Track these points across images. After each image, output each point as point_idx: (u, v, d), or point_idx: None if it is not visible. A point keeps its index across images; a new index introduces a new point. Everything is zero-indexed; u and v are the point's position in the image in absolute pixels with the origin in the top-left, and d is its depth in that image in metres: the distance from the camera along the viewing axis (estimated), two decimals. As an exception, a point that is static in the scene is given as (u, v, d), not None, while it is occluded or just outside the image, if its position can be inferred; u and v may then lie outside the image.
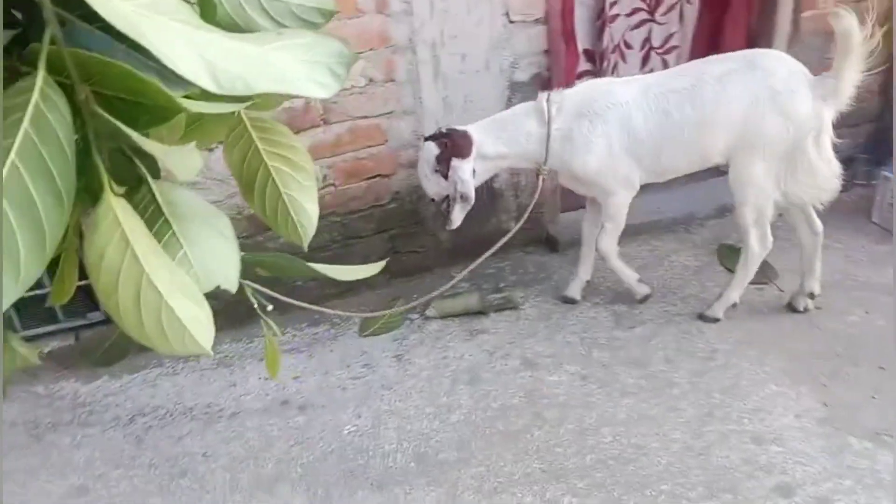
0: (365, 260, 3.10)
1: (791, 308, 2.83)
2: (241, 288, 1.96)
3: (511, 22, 2.91)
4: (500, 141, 2.60)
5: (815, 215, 2.69)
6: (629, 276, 2.91)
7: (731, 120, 2.49)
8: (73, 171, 0.54)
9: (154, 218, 0.68)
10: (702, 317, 2.82)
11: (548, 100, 2.56)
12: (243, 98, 0.62)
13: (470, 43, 2.88)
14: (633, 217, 3.52)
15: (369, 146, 2.93)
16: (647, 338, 2.75)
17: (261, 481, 2.23)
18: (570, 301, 2.99)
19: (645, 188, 3.80)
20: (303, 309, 2.84)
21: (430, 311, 2.95)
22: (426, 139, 2.61)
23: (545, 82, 3.04)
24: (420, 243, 3.14)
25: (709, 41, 3.45)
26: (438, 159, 2.54)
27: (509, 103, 2.88)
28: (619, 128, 2.56)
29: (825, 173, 2.49)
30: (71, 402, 2.65)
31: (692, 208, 3.58)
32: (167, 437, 2.43)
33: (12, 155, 0.51)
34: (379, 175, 3.01)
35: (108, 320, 2.84)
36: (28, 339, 2.79)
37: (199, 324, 0.61)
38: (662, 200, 3.69)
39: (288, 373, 2.67)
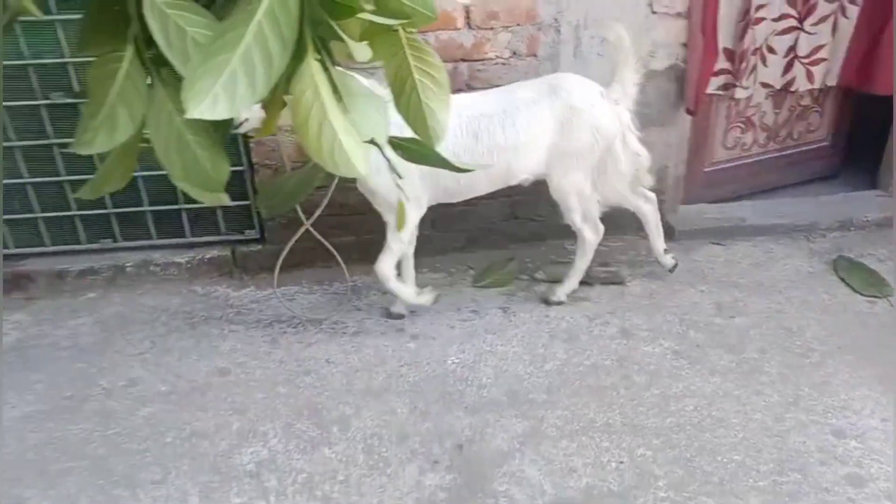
0: (486, 221, 3.38)
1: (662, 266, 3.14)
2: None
3: (653, 13, 3.07)
4: None
5: (646, 190, 2.98)
6: (406, 293, 2.82)
7: (541, 143, 2.64)
8: (294, 30, 0.80)
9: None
10: (546, 301, 3.02)
11: None
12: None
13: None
14: (756, 218, 3.61)
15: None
16: (746, 328, 2.85)
17: (371, 389, 2.55)
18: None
19: (772, 193, 3.86)
20: (428, 254, 3.19)
21: (539, 274, 3.18)
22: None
23: (680, 73, 3.18)
24: (539, 212, 3.36)
25: (863, 59, 3.43)
26: None
27: (643, 91, 3.03)
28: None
29: (637, 164, 2.82)
30: (222, 302, 3.09)
31: (816, 218, 3.59)
32: (297, 342, 2.80)
33: (260, 12, 0.78)
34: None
35: (261, 238, 3.27)
36: (193, 246, 3.26)
37: (358, 155, 0.86)
38: (787, 206, 3.73)
39: (406, 308, 2.97)
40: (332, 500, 2.11)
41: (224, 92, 0.72)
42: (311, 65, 0.85)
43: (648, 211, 3.02)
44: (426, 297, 2.80)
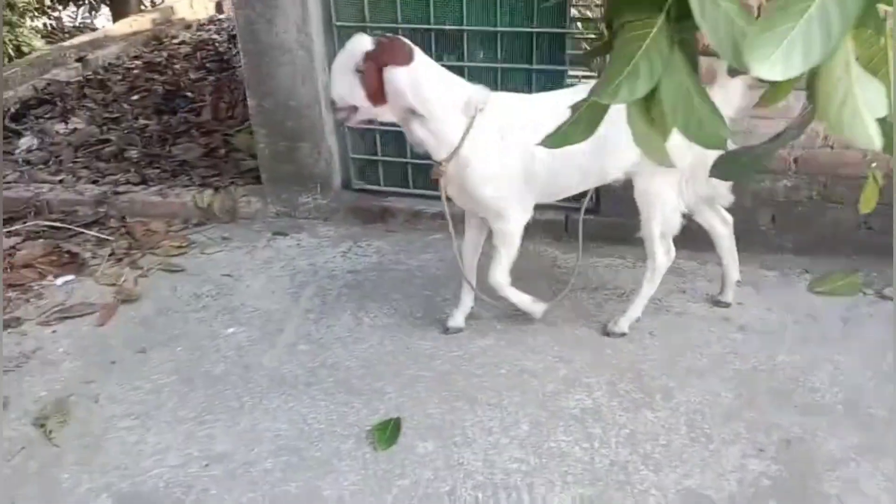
0: (832, 226, 3.18)
1: (720, 304, 2.90)
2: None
3: None
4: (433, 94, 2.35)
5: (723, 210, 2.77)
6: (523, 300, 2.76)
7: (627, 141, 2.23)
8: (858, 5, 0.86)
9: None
10: (608, 333, 2.77)
11: (485, 98, 2.41)
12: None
13: None
14: None
15: None
16: None
17: (694, 368, 2.57)
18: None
19: None
20: (758, 251, 3.11)
21: (889, 291, 2.93)
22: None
23: None
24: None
25: None
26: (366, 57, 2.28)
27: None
28: (522, 148, 2.42)
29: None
30: (550, 262, 3.31)
31: None
32: (621, 311, 2.91)
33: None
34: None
35: (595, 208, 3.41)
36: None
37: (874, 129, 0.90)
38: None
39: (734, 298, 2.93)
40: (653, 460, 2.19)
41: (782, 55, 0.80)
42: (847, 41, 0.91)
43: (724, 234, 2.79)
44: (539, 307, 2.78)
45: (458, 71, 3.34)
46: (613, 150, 2.38)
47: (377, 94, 2.30)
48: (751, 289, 3.02)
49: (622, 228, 3.09)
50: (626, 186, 3.19)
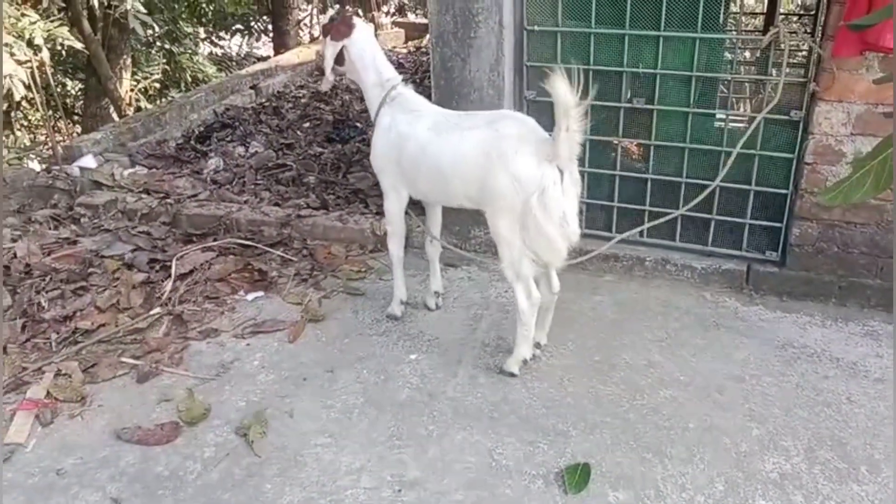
0: None
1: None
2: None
3: None
4: (360, 65, 2.95)
5: (554, 274, 2.80)
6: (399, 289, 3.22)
7: (465, 172, 2.61)
8: None
9: None
10: (501, 371, 2.82)
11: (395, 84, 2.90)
12: None
13: None
14: None
15: None
16: None
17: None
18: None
19: None
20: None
21: None
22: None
23: None
24: None
25: None
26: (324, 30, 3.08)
27: None
28: (398, 138, 2.81)
29: (552, 234, 2.49)
30: (731, 313, 3.21)
31: None
32: (813, 372, 2.78)
33: None
34: None
35: (781, 261, 3.30)
36: (711, 255, 3.44)
37: None
38: None
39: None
40: (866, 538, 2.07)
41: None
42: None
43: (546, 298, 2.81)
44: (398, 307, 3.23)
45: (649, 113, 3.35)
46: (449, 179, 2.68)
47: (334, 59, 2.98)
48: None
49: (811, 284, 2.97)
50: (821, 239, 3.09)
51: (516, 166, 2.47)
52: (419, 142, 2.75)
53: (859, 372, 2.79)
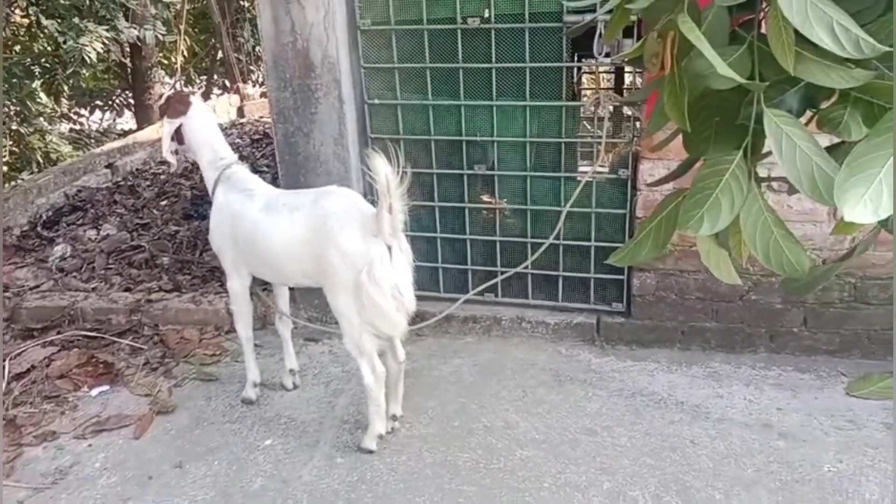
0: (866, 326, 3.19)
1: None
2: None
3: None
4: (195, 144, 2.92)
5: (398, 344, 2.80)
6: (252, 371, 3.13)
7: (295, 252, 2.62)
8: None
9: None
10: (359, 448, 2.76)
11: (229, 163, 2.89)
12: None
13: None
14: None
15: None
16: None
17: (741, 479, 2.53)
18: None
19: None
20: (792, 353, 3.13)
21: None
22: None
23: None
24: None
25: None
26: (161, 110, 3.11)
27: None
28: (232, 216, 2.79)
29: (385, 307, 2.47)
30: (585, 366, 3.31)
31: None
32: (660, 418, 2.89)
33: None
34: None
35: (627, 311, 3.44)
36: (564, 310, 3.55)
37: (798, 254, 0.98)
38: None
39: (772, 403, 2.92)
40: (709, 581, 2.13)
41: (871, 201, 0.86)
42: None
43: (392, 369, 2.80)
44: (252, 391, 3.13)
45: (490, 179, 3.46)
46: (282, 259, 2.68)
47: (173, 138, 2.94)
48: (789, 393, 3.01)
49: (656, 331, 3.12)
50: (659, 288, 3.25)
51: (342, 242, 2.48)
52: (252, 221, 2.72)
53: (701, 414, 2.92)
